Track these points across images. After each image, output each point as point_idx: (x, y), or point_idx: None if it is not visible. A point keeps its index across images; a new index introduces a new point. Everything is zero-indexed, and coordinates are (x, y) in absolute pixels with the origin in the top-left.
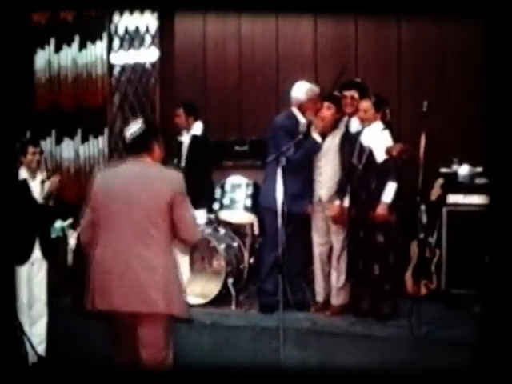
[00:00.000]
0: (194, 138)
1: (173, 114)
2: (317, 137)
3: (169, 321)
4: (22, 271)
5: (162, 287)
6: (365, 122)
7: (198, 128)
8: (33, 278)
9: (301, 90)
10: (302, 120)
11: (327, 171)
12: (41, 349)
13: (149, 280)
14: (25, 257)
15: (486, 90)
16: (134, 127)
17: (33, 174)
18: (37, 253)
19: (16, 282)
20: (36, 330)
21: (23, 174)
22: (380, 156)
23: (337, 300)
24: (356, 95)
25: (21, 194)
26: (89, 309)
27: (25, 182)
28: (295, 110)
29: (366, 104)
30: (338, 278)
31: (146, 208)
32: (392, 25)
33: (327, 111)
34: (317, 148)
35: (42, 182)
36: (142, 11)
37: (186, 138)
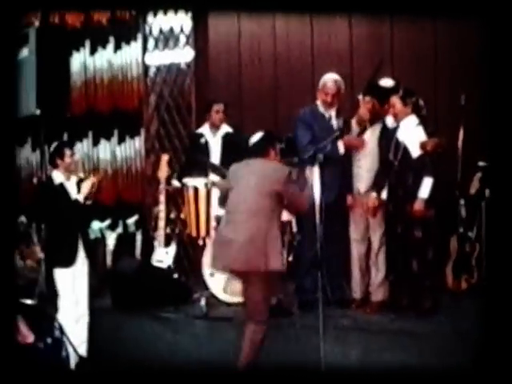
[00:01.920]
0: (228, 135)
1: (208, 109)
2: (341, 147)
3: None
4: (68, 272)
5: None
6: (396, 117)
7: (227, 127)
8: (76, 278)
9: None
10: (327, 114)
11: (366, 164)
12: (82, 349)
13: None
14: (71, 259)
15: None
16: (255, 137)
17: (68, 176)
18: (81, 253)
19: (61, 283)
20: (77, 330)
21: (59, 177)
22: (415, 151)
23: (376, 297)
24: (375, 101)
25: (60, 198)
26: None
27: (61, 185)
28: (319, 104)
29: (392, 99)
30: (376, 275)
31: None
32: (427, 23)
33: (366, 105)
34: (336, 157)
35: (78, 182)
36: (175, 11)
37: (213, 139)
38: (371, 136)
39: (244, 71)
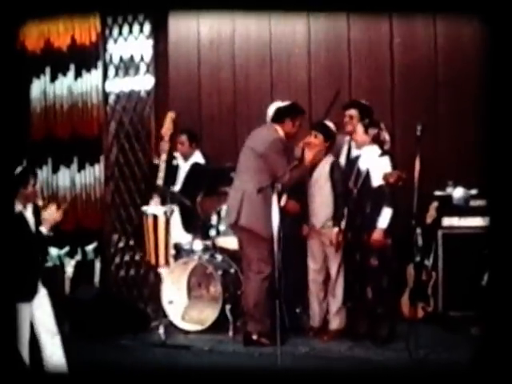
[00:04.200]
0: (196, 165)
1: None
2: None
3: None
4: (25, 307)
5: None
6: (357, 144)
7: (199, 156)
8: (37, 309)
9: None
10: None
11: (318, 200)
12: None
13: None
14: (33, 292)
15: (482, 111)
16: (281, 104)
17: (25, 205)
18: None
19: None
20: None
21: (17, 206)
22: (376, 181)
23: (333, 324)
24: (355, 114)
25: (20, 228)
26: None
27: (21, 214)
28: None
29: (357, 126)
30: (334, 303)
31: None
32: (384, 43)
33: (314, 139)
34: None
35: (35, 211)
36: (135, 37)
37: (184, 164)
38: (322, 170)
39: (203, 99)
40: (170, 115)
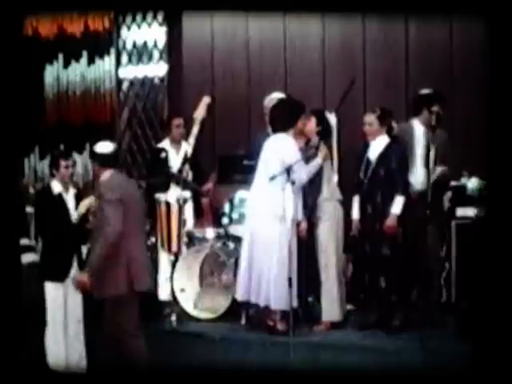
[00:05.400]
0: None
1: (168, 124)
2: (319, 159)
3: None
4: (59, 290)
5: None
6: (370, 136)
7: (186, 144)
8: (69, 297)
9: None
10: None
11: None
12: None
13: None
14: (64, 273)
15: (491, 101)
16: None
17: (66, 187)
18: (74, 272)
19: (50, 301)
20: (73, 348)
21: (57, 187)
22: (384, 169)
23: (326, 316)
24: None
25: (58, 208)
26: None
27: (60, 196)
28: None
29: (370, 118)
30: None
31: None
32: (400, 39)
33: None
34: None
35: (77, 196)
36: (149, 24)
37: (177, 154)
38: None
39: (217, 86)
40: (205, 100)
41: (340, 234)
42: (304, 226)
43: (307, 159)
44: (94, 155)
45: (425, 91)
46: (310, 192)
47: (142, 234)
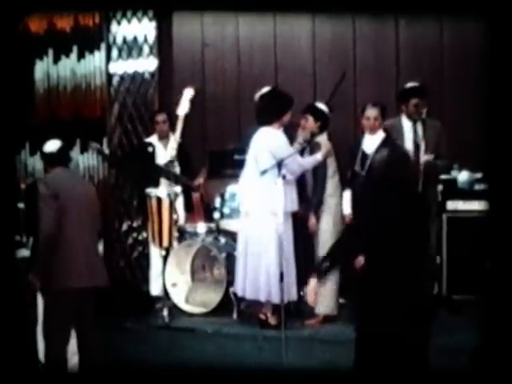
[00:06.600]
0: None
1: (152, 120)
2: (318, 155)
3: None
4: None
5: None
6: (371, 130)
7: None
8: None
9: None
10: None
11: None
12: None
13: None
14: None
15: (485, 95)
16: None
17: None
18: None
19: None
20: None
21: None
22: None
23: (320, 309)
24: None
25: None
26: None
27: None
28: None
29: (374, 112)
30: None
31: None
32: (390, 33)
33: (305, 122)
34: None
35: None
36: (139, 19)
37: (166, 150)
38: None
39: (207, 80)
40: (188, 92)
41: (340, 229)
42: (313, 221)
43: (301, 153)
44: (42, 155)
45: (406, 86)
46: (315, 187)
47: (86, 232)
